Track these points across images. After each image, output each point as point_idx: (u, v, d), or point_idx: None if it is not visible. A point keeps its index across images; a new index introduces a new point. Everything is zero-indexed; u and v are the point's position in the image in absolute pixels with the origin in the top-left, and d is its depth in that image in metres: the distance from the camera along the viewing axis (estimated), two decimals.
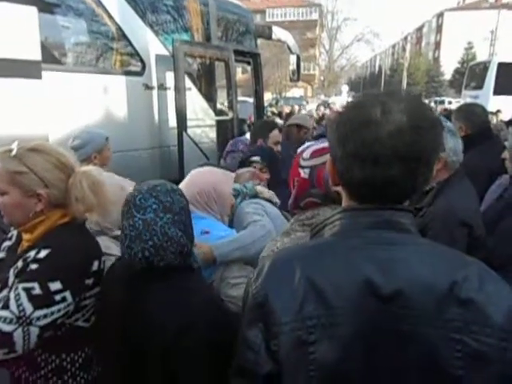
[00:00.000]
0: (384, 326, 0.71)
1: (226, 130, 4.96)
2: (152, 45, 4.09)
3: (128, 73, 3.92)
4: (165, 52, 4.19)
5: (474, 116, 2.63)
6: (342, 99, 26.08)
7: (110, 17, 3.71)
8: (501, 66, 12.09)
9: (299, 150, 1.38)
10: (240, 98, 10.82)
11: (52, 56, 3.41)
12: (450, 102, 25.41)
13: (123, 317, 1.13)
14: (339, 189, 0.86)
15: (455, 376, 0.69)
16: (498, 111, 9.22)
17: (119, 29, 3.79)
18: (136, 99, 3.94)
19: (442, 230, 1.63)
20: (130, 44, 3.91)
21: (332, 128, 0.81)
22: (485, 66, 13.55)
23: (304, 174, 1.28)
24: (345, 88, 32.33)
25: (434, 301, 0.70)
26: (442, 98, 30.72)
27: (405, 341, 0.71)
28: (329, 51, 48.36)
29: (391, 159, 0.73)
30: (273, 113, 12.61)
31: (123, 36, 3.84)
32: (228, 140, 4.71)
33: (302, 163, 1.30)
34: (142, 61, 4.00)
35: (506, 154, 2.18)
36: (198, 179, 1.74)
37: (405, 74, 42.00)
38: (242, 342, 0.78)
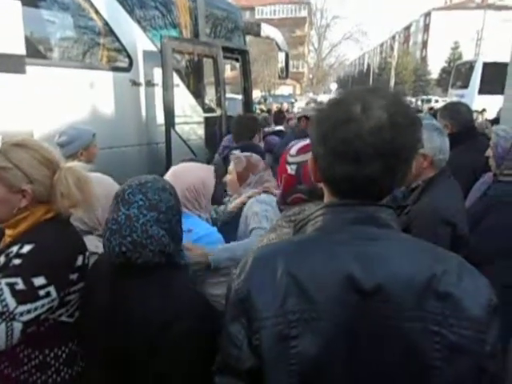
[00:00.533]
0: (365, 320, 0.72)
1: (215, 127, 4.95)
2: (140, 41, 4.06)
3: (115, 68, 3.88)
4: (153, 48, 4.16)
5: (459, 115, 2.67)
6: (330, 97, 26.20)
7: (97, 12, 3.67)
8: (486, 65, 12.29)
9: (288, 146, 1.38)
10: (229, 95, 10.80)
11: (37, 50, 3.36)
12: (436, 101, 25.68)
13: (106, 312, 1.13)
14: (322, 185, 0.87)
15: (434, 367, 0.70)
16: (484, 110, 9.39)
17: (106, 24, 3.75)
18: (123, 95, 3.90)
19: (425, 228, 1.65)
20: (117, 39, 3.86)
21: (313, 125, 0.82)
22: (470, 66, 13.75)
23: (291, 170, 1.29)
24: (333, 86, 32.59)
25: (413, 294, 0.72)
26: (429, 97, 31.07)
27: (386, 334, 0.72)
28: (318, 49, 48.52)
29: (372, 156, 0.74)
30: (262, 110, 12.62)
31: (110, 31, 3.80)
32: (216, 137, 4.71)
33: (289, 160, 1.31)
34: (129, 57, 3.96)
35: (489, 152, 2.22)
36: (185, 175, 1.72)
37: (393, 72, 42.36)
38: (225, 338, 0.79)
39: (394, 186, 0.81)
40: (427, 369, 0.71)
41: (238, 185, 2.14)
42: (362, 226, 0.78)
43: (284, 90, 36.21)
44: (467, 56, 31.71)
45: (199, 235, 1.65)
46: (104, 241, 1.15)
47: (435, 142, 1.81)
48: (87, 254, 1.32)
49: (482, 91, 12.06)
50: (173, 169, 1.78)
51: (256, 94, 28.27)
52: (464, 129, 2.62)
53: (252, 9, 45.51)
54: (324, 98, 26.80)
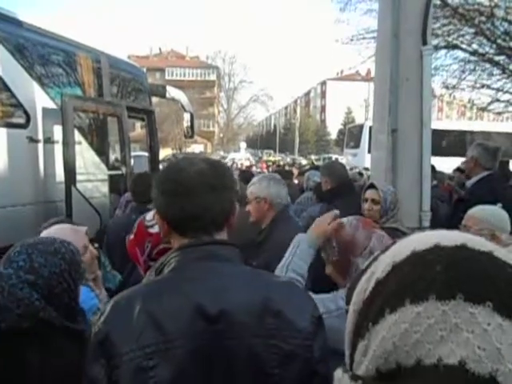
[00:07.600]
0: (214, 344, 0.84)
1: (120, 185, 4.92)
2: (38, 97, 4.01)
3: (10, 125, 3.76)
4: (53, 105, 4.13)
5: (335, 171, 3.08)
6: (240, 155, 27.33)
7: None
8: (371, 128, 14.06)
9: (139, 218, 1.47)
10: (137, 153, 10.75)
11: None
12: (336, 159, 28.21)
13: None
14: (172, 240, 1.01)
15: (274, 374, 0.84)
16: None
17: (0, 79, 3.67)
18: (19, 152, 3.77)
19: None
20: (13, 96, 3.78)
21: (155, 188, 0.99)
22: (360, 129, 15.61)
23: (153, 229, 1.37)
24: (243, 145, 34.04)
25: (253, 315, 0.86)
26: (330, 155, 34.14)
27: (233, 353, 0.84)
28: (227, 110, 51.09)
29: (201, 190, 0.94)
30: None
31: (5, 87, 3.71)
32: (121, 194, 4.67)
33: (148, 224, 1.40)
34: (26, 113, 3.87)
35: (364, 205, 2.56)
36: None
37: (297, 133, 45.93)
38: (85, 381, 0.83)
39: (226, 212, 0.98)
40: (269, 376, 0.84)
41: (339, 279, 1.38)
42: (207, 262, 0.93)
43: (195, 148, 36.94)
44: (359, 119, 35.77)
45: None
46: None
47: (272, 188, 2.27)
48: None
49: (370, 151, 13.66)
50: (47, 232, 1.60)
51: (167, 152, 28.38)
52: (340, 184, 3.01)
53: (162, 70, 46.86)
54: (234, 156, 27.84)
